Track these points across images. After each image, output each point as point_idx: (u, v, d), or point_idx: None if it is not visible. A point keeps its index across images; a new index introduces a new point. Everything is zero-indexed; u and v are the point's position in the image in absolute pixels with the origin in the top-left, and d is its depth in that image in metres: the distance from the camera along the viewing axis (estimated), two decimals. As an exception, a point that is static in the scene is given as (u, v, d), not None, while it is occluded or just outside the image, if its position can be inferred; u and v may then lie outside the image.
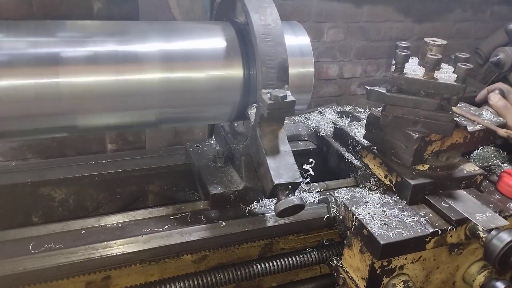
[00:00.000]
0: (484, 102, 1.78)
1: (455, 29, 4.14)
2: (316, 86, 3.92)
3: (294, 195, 1.28)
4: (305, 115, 2.08)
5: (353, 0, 3.64)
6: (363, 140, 1.69)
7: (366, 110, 2.05)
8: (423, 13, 3.96)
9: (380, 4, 3.75)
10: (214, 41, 1.38)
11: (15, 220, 1.59)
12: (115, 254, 1.26)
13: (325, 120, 2.01)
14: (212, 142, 1.78)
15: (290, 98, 1.28)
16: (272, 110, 1.26)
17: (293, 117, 2.06)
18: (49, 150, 3.00)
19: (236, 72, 1.37)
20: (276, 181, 1.26)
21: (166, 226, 1.38)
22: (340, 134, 1.84)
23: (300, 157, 1.76)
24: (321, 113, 2.08)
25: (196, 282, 1.42)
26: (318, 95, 3.98)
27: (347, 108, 2.14)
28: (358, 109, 2.13)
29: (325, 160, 1.89)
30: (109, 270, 1.32)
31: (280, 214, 1.27)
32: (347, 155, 1.76)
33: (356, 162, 1.71)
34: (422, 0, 3.88)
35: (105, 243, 1.28)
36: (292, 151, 1.84)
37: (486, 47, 4.05)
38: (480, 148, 1.80)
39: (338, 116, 2.02)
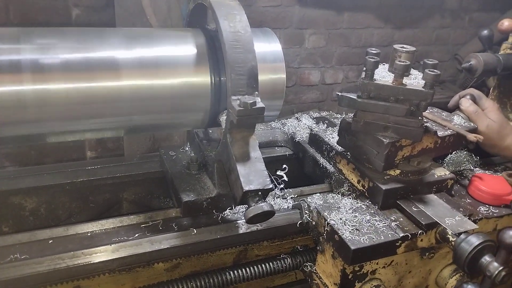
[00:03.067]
0: (456, 108, 1.80)
1: (434, 36, 4.22)
2: (298, 92, 3.95)
3: (265, 202, 1.28)
4: (281, 121, 2.08)
5: (334, 7, 3.69)
6: (337, 146, 1.69)
7: (343, 116, 2.06)
8: (403, 20, 4.03)
9: (361, 11, 3.81)
10: (184, 48, 1.38)
11: (-16, 231, 1.56)
12: (82, 263, 1.24)
13: (301, 126, 2.01)
14: (187, 148, 1.77)
15: (260, 104, 1.28)
16: (241, 117, 1.26)
17: (270, 123, 2.07)
18: (27, 158, 2.97)
19: (206, 78, 1.37)
20: (245, 188, 1.26)
21: (136, 235, 1.37)
22: (315, 140, 1.85)
23: (277, 163, 1.77)
24: (297, 119, 2.08)
25: (169, 291, 1.41)
26: (300, 101, 4.01)
27: (324, 114, 2.15)
28: (335, 114, 2.15)
29: (301, 166, 1.90)
30: (77, 281, 1.30)
31: (250, 220, 1.27)
32: (322, 160, 1.77)
33: (330, 167, 1.72)
34: (402, 7, 3.95)
35: (72, 252, 1.26)
36: (269, 157, 1.86)
37: (465, 53, 4.12)
38: (453, 153, 1.81)
39: (315, 122, 2.02)
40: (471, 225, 1.40)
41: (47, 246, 1.28)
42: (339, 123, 1.94)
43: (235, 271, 1.49)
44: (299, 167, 1.91)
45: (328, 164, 1.75)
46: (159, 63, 1.34)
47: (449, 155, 1.82)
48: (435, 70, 1.38)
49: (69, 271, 1.24)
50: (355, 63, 4.08)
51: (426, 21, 4.22)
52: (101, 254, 1.28)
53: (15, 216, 1.62)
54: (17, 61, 1.19)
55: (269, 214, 1.28)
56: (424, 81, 1.40)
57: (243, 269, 1.50)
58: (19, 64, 1.19)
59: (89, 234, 1.35)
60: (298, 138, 1.93)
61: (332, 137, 1.79)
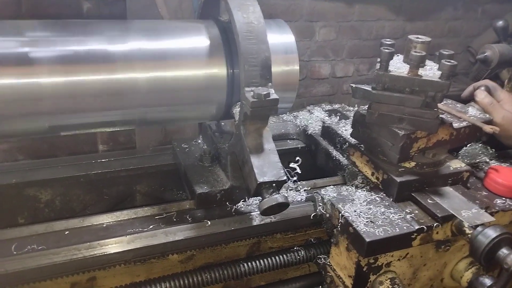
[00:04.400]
0: (471, 99, 1.78)
1: (446, 28, 4.15)
2: (309, 86, 3.92)
3: (279, 194, 1.28)
4: (293, 114, 2.07)
5: (344, -1, 3.64)
6: (351, 138, 1.68)
7: (355, 108, 2.05)
8: (414, 11, 3.97)
9: (372, 3, 3.76)
10: (198, 39, 1.38)
11: (0, 222, 1.57)
12: (98, 254, 1.25)
13: (313, 118, 2.00)
14: (200, 141, 1.77)
15: (273, 96, 1.27)
16: (255, 108, 1.26)
17: (282, 115, 2.06)
18: (40, 151, 2.99)
19: (220, 70, 1.36)
20: (260, 180, 1.26)
21: (151, 226, 1.37)
22: (328, 132, 1.84)
23: (289, 155, 1.76)
24: (309, 111, 2.07)
25: (183, 282, 1.41)
26: (310, 94, 3.98)
27: (336, 106, 2.13)
28: (347, 107, 2.13)
29: (314, 159, 1.89)
30: (93, 271, 1.31)
31: (265, 212, 1.26)
32: (334, 153, 1.76)
33: (343, 160, 1.71)
34: (414, -1, 3.89)
35: (88, 243, 1.27)
36: (281, 149, 1.85)
37: (477, 45, 4.05)
38: (468, 145, 1.79)
39: (327, 115, 2.01)
40: (487, 218, 1.38)
41: (63, 237, 1.30)
42: (351, 115, 1.93)
43: (249, 263, 1.50)
44: (311, 159, 1.90)
45: (341, 156, 1.73)
46: (173, 55, 1.34)
47: (464, 147, 1.80)
48: (452, 61, 1.36)
49: (85, 261, 1.25)
50: (366, 56, 4.04)
51: (438, 13, 4.15)
52: (117, 245, 1.29)
53: (30, 208, 1.64)
54: (32, 53, 1.19)
55: (284, 205, 1.27)
56: (440, 72, 1.38)
57: (257, 261, 1.50)
58: (34, 56, 1.19)
59: (104, 226, 1.36)
60: (310, 131, 1.93)
61: (345, 129, 1.78)
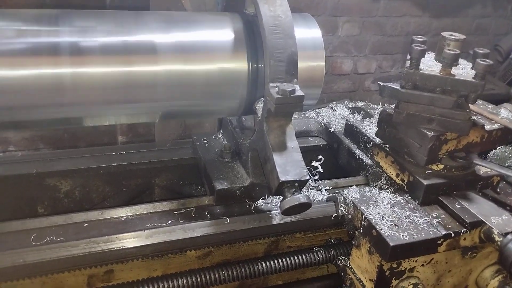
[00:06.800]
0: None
1: (474, 25, 4.02)
2: (330, 82, 3.85)
3: (301, 193, 1.24)
4: (316, 111, 2.03)
5: (369, -7, 3.55)
6: (375, 137, 1.63)
7: (379, 107, 1.99)
8: (441, 8, 3.85)
9: (398, -2, 3.66)
10: (220, 33, 1.35)
11: (21, 211, 1.58)
12: (116, 248, 1.24)
13: (336, 116, 1.96)
14: (220, 136, 1.75)
15: (299, 92, 1.23)
16: (280, 105, 1.22)
17: (304, 112, 2.02)
18: (61, 141, 3.01)
19: (243, 65, 1.33)
20: (282, 178, 1.22)
21: (169, 221, 1.36)
22: (351, 130, 1.79)
23: (310, 153, 1.73)
24: (332, 108, 2.03)
25: (199, 279, 1.39)
26: (331, 90, 3.90)
27: (360, 104, 2.08)
28: (371, 105, 2.08)
29: (336, 157, 1.85)
30: (111, 264, 1.31)
31: (286, 212, 1.23)
32: (358, 152, 1.71)
33: (367, 160, 1.66)
34: (441, -5, 3.77)
35: (107, 237, 1.26)
36: (302, 147, 1.80)
37: (506, 43, 3.91)
38: (497, 148, 1.72)
39: (350, 112, 1.96)
40: (519, 225, 1.32)
41: (82, 229, 1.29)
42: (375, 113, 1.88)
43: (267, 262, 1.47)
44: (333, 158, 1.86)
45: (364, 156, 1.69)
46: (196, 48, 1.31)
47: (493, 151, 1.73)
48: (487, 60, 1.30)
49: (103, 255, 1.24)
50: (390, 52, 3.94)
51: (466, 9, 4.02)
52: (135, 240, 1.28)
53: (50, 198, 1.64)
54: (55, 44, 1.17)
55: (306, 206, 1.24)
56: (473, 72, 1.32)
57: (276, 260, 1.47)
58: (57, 47, 1.18)
59: (123, 219, 1.35)
60: (333, 129, 1.88)
61: (369, 128, 1.73)
